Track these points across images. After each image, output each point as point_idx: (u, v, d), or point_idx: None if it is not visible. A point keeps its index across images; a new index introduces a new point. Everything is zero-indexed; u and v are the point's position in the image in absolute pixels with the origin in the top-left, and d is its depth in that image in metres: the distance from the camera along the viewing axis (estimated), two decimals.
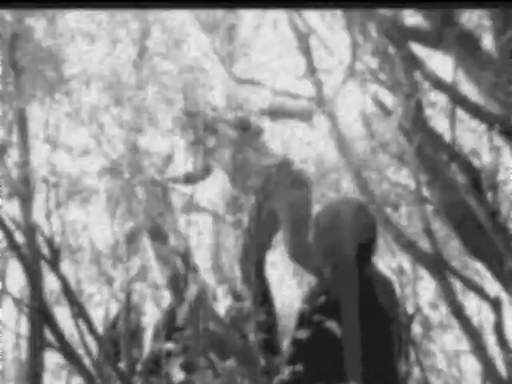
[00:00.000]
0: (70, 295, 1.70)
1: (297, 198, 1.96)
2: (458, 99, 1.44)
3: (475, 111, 1.42)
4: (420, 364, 3.06)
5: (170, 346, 2.40)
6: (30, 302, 2.07)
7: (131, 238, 2.21)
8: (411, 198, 2.98)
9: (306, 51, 1.74)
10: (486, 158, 2.19)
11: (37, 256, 2.00)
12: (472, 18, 1.80)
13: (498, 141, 2.17)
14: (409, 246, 1.55)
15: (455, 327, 3.95)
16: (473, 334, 1.30)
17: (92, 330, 1.76)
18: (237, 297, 2.29)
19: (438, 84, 1.48)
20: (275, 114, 3.08)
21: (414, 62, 1.51)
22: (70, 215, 2.35)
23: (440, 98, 2.52)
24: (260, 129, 2.50)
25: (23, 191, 2.19)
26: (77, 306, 1.71)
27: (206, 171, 2.20)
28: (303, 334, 1.64)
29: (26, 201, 2.22)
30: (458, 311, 1.36)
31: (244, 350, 1.76)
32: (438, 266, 1.49)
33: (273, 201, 2.02)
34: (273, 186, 2.00)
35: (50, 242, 1.79)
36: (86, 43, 3.96)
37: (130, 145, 3.07)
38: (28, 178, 2.35)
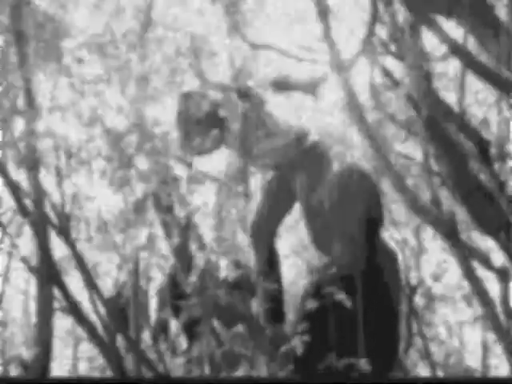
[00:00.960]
0: (80, 262, 1.73)
1: (315, 177, 1.92)
2: (474, 66, 1.41)
3: (492, 78, 1.40)
4: (422, 334, 3.11)
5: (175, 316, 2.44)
6: (39, 267, 2.11)
7: (139, 208, 2.22)
8: (417, 169, 2.97)
9: (324, 14, 1.70)
10: (494, 129, 2.17)
11: (46, 222, 2.02)
12: None
13: (507, 112, 2.14)
14: (424, 212, 1.55)
15: (457, 299, 3.99)
16: (483, 298, 1.31)
17: (100, 296, 1.79)
18: (240, 267, 2.31)
19: (455, 48, 1.44)
20: (280, 85, 3.03)
21: (430, 26, 1.47)
22: (75, 185, 2.36)
23: (449, 69, 2.48)
24: (261, 99, 2.46)
25: (31, 159, 2.20)
26: (85, 273, 1.74)
27: (219, 141, 2.17)
28: (313, 304, 1.66)
29: (34, 169, 2.23)
30: (470, 274, 1.37)
31: (251, 318, 1.79)
32: (451, 231, 1.50)
33: (290, 177, 1.99)
34: (289, 162, 1.96)
35: (59, 210, 1.81)
36: (90, 13, 3.89)
37: (135, 115, 3.04)
38: (35, 146, 2.35)
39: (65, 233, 1.85)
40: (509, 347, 1.33)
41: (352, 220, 1.83)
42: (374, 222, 1.86)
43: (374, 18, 1.35)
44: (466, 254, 1.40)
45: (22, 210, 1.77)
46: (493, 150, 1.93)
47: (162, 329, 3.11)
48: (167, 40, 4.25)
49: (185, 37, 4.23)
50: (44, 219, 1.99)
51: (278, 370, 1.67)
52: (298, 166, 1.95)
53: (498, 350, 3.48)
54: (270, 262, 2.13)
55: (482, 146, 1.96)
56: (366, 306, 1.77)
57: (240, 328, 1.71)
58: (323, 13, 1.70)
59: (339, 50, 1.75)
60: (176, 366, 2.09)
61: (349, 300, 1.66)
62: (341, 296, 1.70)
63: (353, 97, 1.41)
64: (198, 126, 2.13)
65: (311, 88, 3.01)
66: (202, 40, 4.01)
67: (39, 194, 2.17)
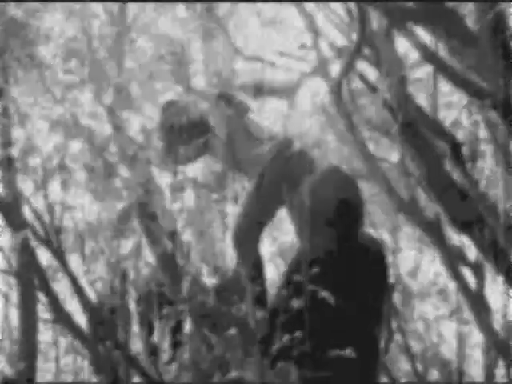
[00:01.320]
0: (65, 269, 1.73)
1: (299, 183, 1.97)
2: (446, 72, 1.49)
3: (462, 84, 1.49)
4: (401, 330, 3.22)
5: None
6: (21, 272, 2.09)
7: (123, 218, 2.23)
8: (390, 170, 3.08)
9: (312, 24, 1.76)
10: (465, 131, 2.28)
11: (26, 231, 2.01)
12: None
13: (477, 115, 2.26)
14: (412, 213, 1.63)
15: (432, 295, 4.14)
16: (471, 296, 1.39)
17: (87, 303, 1.79)
18: (221, 273, 2.34)
19: (429, 55, 1.52)
20: (258, 90, 3.09)
21: (405, 33, 1.55)
22: (52, 195, 2.35)
23: (422, 73, 2.59)
24: (245, 106, 2.50)
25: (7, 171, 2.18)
26: (72, 281, 1.74)
27: (203, 150, 2.20)
28: (298, 304, 1.71)
29: (11, 182, 2.21)
30: (456, 274, 1.45)
31: (243, 323, 1.83)
32: (437, 232, 1.58)
33: (275, 183, 2.02)
34: (274, 170, 2.00)
35: (40, 218, 1.80)
36: (62, 18, 3.85)
37: (113, 123, 3.04)
38: (11, 157, 2.33)
39: (47, 241, 1.85)
40: (496, 344, 1.41)
41: (327, 206, 1.89)
42: (351, 210, 1.92)
43: (362, 37, 1.41)
44: (451, 253, 1.48)
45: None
46: (465, 151, 2.04)
47: (146, 335, 3.11)
48: (144, 46, 4.25)
49: (163, 43, 4.24)
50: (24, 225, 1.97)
51: (269, 373, 1.72)
52: (282, 174, 2.00)
53: (472, 341, 3.63)
54: (256, 267, 2.18)
55: (455, 147, 2.07)
56: (339, 290, 1.81)
57: (230, 333, 1.75)
58: (311, 22, 1.76)
59: (327, 60, 1.82)
60: (165, 372, 2.10)
61: (320, 286, 1.71)
62: (324, 293, 1.76)
63: (340, 103, 1.47)
64: (182, 134, 2.15)
65: (287, 93, 3.07)
66: (181, 46, 4.04)
67: (17, 200, 2.16)
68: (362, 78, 2.07)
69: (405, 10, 1.63)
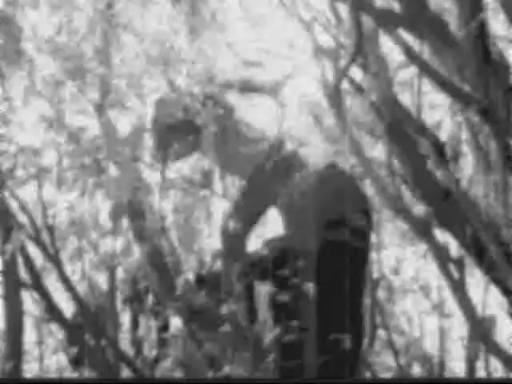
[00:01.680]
0: (57, 266, 1.73)
1: (290, 183, 1.98)
2: (431, 75, 1.55)
3: (446, 87, 1.55)
4: (385, 326, 3.30)
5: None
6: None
7: (115, 215, 2.24)
8: (378, 170, 3.14)
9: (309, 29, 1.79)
10: (447, 131, 2.36)
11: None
12: (440, 3, 1.92)
13: (459, 116, 2.34)
14: (403, 212, 1.68)
15: (414, 291, 4.24)
16: (460, 296, 1.45)
17: (78, 300, 1.80)
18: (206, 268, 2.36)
19: (414, 58, 1.57)
20: (242, 87, 3.10)
21: (391, 36, 1.60)
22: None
23: (406, 74, 2.66)
24: (231, 105, 2.51)
25: None
26: (62, 277, 1.74)
27: (193, 148, 2.21)
28: (284, 297, 1.75)
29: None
30: (448, 275, 1.51)
31: (233, 319, 1.86)
32: (427, 232, 1.64)
33: (266, 183, 2.03)
34: (265, 170, 2.02)
35: (31, 218, 1.81)
36: (45, 11, 3.81)
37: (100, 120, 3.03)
38: None
39: (37, 239, 1.85)
40: (484, 338, 1.48)
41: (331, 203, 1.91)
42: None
43: (358, 48, 1.45)
44: (442, 253, 1.54)
45: None
46: (447, 151, 2.11)
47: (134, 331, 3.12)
48: (129, 43, 4.23)
49: (149, 41, 4.23)
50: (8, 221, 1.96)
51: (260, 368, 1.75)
52: (274, 174, 2.02)
53: (453, 335, 3.74)
54: (244, 265, 2.20)
55: (438, 146, 2.13)
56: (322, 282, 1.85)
57: (222, 330, 1.78)
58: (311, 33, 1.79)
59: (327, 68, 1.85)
60: (154, 368, 2.13)
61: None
62: (307, 286, 1.80)
63: (338, 107, 1.51)
64: (173, 132, 2.16)
65: (273, 91, 3.11)
66: (167, 44, 4.03)
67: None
68: (350, 79, 2.13)
69: (391, 14, 1.68)
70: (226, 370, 1.74)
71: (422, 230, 1.66)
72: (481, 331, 1.48)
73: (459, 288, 1.51)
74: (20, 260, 2.11)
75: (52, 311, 1.66)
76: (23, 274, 1.86)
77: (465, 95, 1.45)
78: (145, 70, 3.99)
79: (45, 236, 1.93)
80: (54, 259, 1.68)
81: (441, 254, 1.54)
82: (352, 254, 1.94)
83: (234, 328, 1.79)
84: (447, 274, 1.52)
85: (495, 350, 1.46)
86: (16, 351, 2.21)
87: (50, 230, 1.63)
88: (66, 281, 1.73)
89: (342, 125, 1.59)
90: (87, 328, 1.87)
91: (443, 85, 1.54)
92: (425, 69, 1.57)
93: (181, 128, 2.14)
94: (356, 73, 2.31)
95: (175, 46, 4.53)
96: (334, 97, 1.60)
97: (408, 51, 1.58)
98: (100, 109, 3.15)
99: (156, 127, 2.21)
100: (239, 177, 2.15)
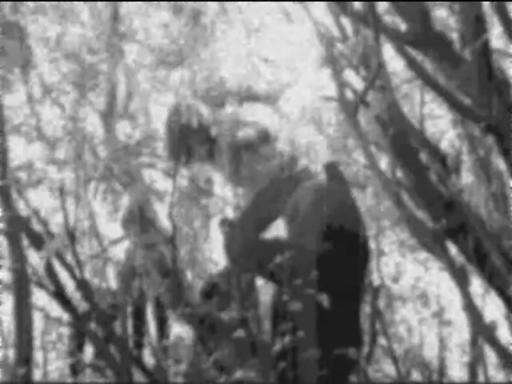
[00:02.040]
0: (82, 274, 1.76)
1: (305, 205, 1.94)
2: (436, 90, 1.61)
3: (450, 101, 1.61)
4: (385, 333, 3.34)
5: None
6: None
7: (127, 222, 2.28)
8: (378, 180, 3.21)
9: (333, 59, 1.84)
10: (449, 143, 2.43)
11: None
12: (445, 22, 2.00)
13: (460, 129, 2.41)
14: (415, 222, 1.72)
15: (414, 299, 4.30)
16: (469, 307, 1.49)
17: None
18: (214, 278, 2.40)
19: (420, 73, 1.63)
20: (241, 96, 3.13)
21: (398, 52, 1.65)
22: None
23: (408, 89, 2.73)
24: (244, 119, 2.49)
25: None
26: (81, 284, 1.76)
27: (206, 157, 2.21)
28: (296, 306, 1.79)
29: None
30: (460, 281, 1.56)
31: (242, 325, 1.89)
32: (438, 240, 1.69)
33: (276, 197, 2.01)
34: (277, 185, 1.99)
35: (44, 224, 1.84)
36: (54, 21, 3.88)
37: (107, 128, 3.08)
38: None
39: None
40: (491, 342, 1.52)
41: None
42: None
43: (377, 75, 1.51)
44: (453, 263, 1.60)
45: None
46: (449, 163, 2.17)
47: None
48: (134, 51, 4.31)
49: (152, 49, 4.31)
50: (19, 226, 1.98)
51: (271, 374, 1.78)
52: (285, 187, 2.02)
53: (451, 343, 3.80)
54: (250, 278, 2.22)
55: (440, 158, 2.20)
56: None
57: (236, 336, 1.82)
58: (332, 58, 1.84)
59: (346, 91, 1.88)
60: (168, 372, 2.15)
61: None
62: (321, 297, 1.84)
63: (357, 125, 1.57)
64: (187, 138, 2.15)
65: (272, 99, 3.16)
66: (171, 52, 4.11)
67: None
68: (356, 93, 2.19)
69: (397, 32, 1.75)
70: (238, 374, 1.77)
71: (432, 239, 1.71)
72: (488, 335, 1.53)
73: (466, 294, 1.56)
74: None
75: (75, 316, 1.69)
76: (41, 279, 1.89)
77: (473, 113, 1.52)
78: (150, 78, 4.06)
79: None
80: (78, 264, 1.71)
81: (452, 263, 1.60)
82: (352, 262, 1.98)
83: (247, 335, 1.82)
84: (458, 282, 1.58)
85: (502, 353, 1.51)
86: (27, 357, 2.24)
87: (71, 234, 1.67)
88: (84, 285, 1.76)
89: (359, 140, 1.65)
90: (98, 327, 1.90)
91: (453, 104, 1.60)
92: (433, 86, 1.63)
93: (194, 136, 2.14)
94: (358, 83, 2.38)
95: (178, 55, 4.60)
96: (353, 115, 1.66)
97: (416, 68, 1.64)
98: (106, 116, 3.20)
99: (170, 133, 2.21)
100: (250, 190, 2.16)
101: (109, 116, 3.17)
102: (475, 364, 2.40)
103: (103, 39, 3.95)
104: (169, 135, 2.16)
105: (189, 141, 2.11)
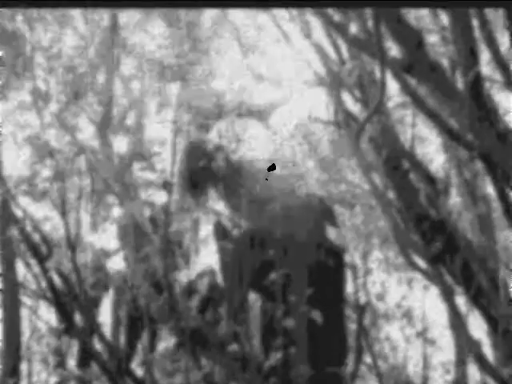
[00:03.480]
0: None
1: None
2: (429, 116, 1.69)
3: (443, 128, 1.68)
4: (370, 350, 3.38)
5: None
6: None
7: (123, 235, 2.29)
8: (366, 197, 3.29)
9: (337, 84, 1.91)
10: (440, 165, 2.51)
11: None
12: (440, 50, 2.09)
13: (449, 153, 2.50)
14: (410, 241, 1.79)
15: (398, 317, 4.36)
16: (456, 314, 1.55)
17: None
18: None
19: (414, 98, 1.70)
20: (234, 111, 3.17)
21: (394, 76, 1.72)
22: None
23: (400, 114, 2.83)
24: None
25: None
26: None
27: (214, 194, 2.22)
28: (290, 323, 1.82)
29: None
30: (449, 299, 1.61)
31: (234, 339, 1.91)
32: (435, 258, 1.75)
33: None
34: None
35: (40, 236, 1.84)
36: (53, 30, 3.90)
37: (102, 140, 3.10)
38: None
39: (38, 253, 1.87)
40: (478, 359, 1.58)
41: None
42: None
43: (381, 104, 1.57)
44: (448, 282, 1.65)
45: None
46: (439, 185, 2.25)
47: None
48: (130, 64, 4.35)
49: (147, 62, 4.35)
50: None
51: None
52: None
53: (434, 361, 3.86)
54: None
55: (430, 180, 2.28)
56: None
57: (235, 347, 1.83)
58: (335, 82, 1.91)
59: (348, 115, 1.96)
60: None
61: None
62: (315, 314, 1.88)
63: (358, 150, 1.63)
64: (199, 180, 2.17)
65: (263, 116, 3.22)
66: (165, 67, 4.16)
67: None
68: (351, 116, 2.26)
69: (393, 59, 1.82)
70: None
71: (429, 258, 1.78)
72: (475, 351, 1.58)
73: (455, 312, 1.62)
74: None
75: (70, 324, 1.69)
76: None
77: (465, 141, 1.59)
78: (146, 91, 4.09)
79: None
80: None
81: (443, 282, 1.66)
82: (332, 273, 2.04)
83: (238, 350, 1.84)
84: (447, 300, 1.64)
85: (489, 369, 1.57)
86: (15, 368, 2.22)
87: (73, 250, 1.68)
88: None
89: (360, 162, 1.71)
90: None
91: (446, 130, 1.68)
92: (427, 112, 1.70)
93: (206, 178, 2.15)
94: (352, 105, 2.45)
95: (175, 69, 4.65)
96: (355, 141, 1.72)
97: (411, 93, 1.72)
98: (101, 129, 3.22)
99: (183, 173, 2.22)
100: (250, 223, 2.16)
101: (104, 128, 3.20)
102: (459, 382, 2.45)
103: (100, 49, 3.98)
104: (182, 175, 2.17)
105: (200, 182, 2.13)
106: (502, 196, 1.58)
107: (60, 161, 1.93)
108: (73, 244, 1.66)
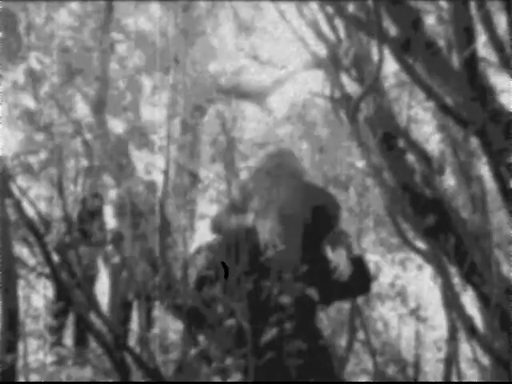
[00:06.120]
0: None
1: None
2: (438, 103, 1.69)
3: (450, 114, 1.68)
4: (364, 327, 3.44)
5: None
6: None
7: (120, 212, 2.31)
8: (359, 178, 3.30)
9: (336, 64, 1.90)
10: (435, 146, 2.53)
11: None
12: (437, 30, 2.08)
13: (445, 133, 2.51)
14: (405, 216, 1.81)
15: (391, 297, 4.42)
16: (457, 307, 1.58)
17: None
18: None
19: (415, 78, 1.70)
20: (231, 92, 3.16)
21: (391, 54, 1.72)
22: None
23: (396, 93, 2.82)
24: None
25: None
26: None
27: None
28: (286, 300, 1.86)
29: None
30: (444, 275, 1.64)
31: (232, 316, 1.94)
32: (427, 234, 1.78)
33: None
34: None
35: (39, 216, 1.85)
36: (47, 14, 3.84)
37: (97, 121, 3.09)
38: None
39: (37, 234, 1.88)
40: (471, 331, 1.62)
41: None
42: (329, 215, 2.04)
43: (381, 65, 1.57)
44: (438, 258, 1.68)
45: None
46: (434, 165, 2.27)
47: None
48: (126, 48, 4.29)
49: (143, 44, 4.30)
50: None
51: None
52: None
53: (427, 340, 3.93)
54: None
55: (425, 160, 2.30)
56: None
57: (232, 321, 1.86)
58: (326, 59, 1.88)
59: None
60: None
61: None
62: (310, 291, 1.91)
63: (355, 126, 1.64)
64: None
65: (260, 97, 3.20)
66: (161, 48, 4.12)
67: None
68: (347, 95, 2.26)
69: (391, 37, 1.82)
70: (227, 362, 1.82)
71: (429, 236, 1.80)
72: (468, 326, 1.62)
73: (449, 287, 1.65)
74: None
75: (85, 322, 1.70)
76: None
77: (460, 118, 1.60)
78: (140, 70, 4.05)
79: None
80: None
81: (437, 258, 1.69)
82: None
83: (235, 325, 1.87)
84: (441, 276, 1.67)
85: (482, 342, 1.61)
86: (13, 345, 2.24)
87: (70, 228, 1.69)
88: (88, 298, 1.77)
89: (359, 141, 1.72)
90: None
91: (442, 108, 1.68)
92: (425, 89, 1.70)
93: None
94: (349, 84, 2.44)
95: (167, 50, 4.60)
96: (352, 117, 1.72)
97: (410, 71, 1.72)
98: (97, 109, 3.20)
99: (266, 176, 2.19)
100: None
101: (100, 108, 3.18)
102: (450, 359, 2.52)
103: (94, 30, 3.93)
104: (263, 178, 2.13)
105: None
106: (497, 174, 1.60)
107: (56, 136, 1.93)
108: (70, 221, 1.67)
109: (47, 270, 1.71)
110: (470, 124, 1.58)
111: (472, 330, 1.64)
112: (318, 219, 2.04)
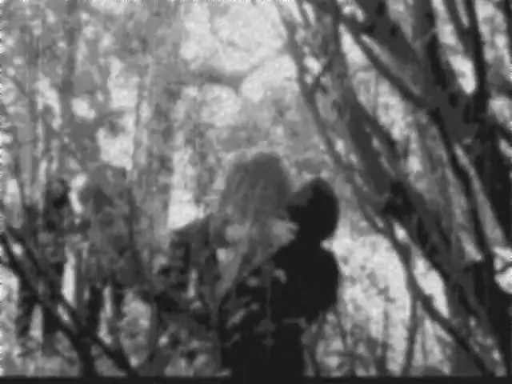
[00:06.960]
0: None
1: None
2: (390, 79, 1.72)
3: (403, 91, 1.72)
4: (334, 310, 3.52)
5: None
6: None
7: (85, 197, 2.28)
8: (333, 165, 3.35)
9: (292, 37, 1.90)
10: (400, 130, 2.57)
11: None
12: (401, 16, 2.11)
13: (409, 117, 2.56)
14: (360, 195, 1.85)
15: (361, 279, 4.53)
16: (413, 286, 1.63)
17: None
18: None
19: (376, 62, 1.73)
20: (203, 76, 3.14)
21: (356, 40, 1.74)
22: None
23: (365, 77, 2.85)
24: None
25: None
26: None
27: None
28: (254, 282, 1.88)
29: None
30: (404, 256, 1.69)
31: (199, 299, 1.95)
32: (382, 212, 1.82)
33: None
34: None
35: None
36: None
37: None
38: None
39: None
40: (428, 308, 1.67)
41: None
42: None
43: (337, 53, 1.59)
44: (397, 239, 1.72)
45: None
46: (398, 148, 2.32)
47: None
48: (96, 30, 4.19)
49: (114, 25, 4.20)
50: None
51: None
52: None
53: (395, 320, 4.05)
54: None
55: (390, 144, 2.34)
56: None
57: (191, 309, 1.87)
58: (294, 43, 1.88)
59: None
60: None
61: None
62: (278, 272, 1.94)
63: (314, 110, 1.64)
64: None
65: (235, 82, 3.19)
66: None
67: None
68: (316, 79, 2.27)
69: (355, 21, 1.84)
70: (193, 345, 1.84)
71: (377, 211, 1.85)
72: (426, 306, 1.69)
73: (408, 268, 1.70)
74: None
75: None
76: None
77: (417, 98, 1.64)
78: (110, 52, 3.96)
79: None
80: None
81: (396, 239, 1.74)
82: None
83: (203, 308, 1.88)
84: (402, 257, 1.72)
85: (437, 317, 1.67)
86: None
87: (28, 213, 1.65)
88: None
89: (317, 124, 1.74)
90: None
91: (399, 88, 1.72)
92: (384, 72, 1.74)
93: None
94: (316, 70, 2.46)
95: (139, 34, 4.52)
96: (310, 99, 1.74)
97: (370, 55, 1.75)
98: (63, 92, 3.13)
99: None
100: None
101: (66, 91, 3.10)
102: (413, 336, 2.60)
103: (60, 11, 3.83)
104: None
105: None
106: (452, 158, 1.65)
107: (16, 121, 1.88)
108: (27, 207, 1.64)
109: (7, 259, 1.67)
110: (426, 105, 1.62)
111: (429, 309, 1.70)
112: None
